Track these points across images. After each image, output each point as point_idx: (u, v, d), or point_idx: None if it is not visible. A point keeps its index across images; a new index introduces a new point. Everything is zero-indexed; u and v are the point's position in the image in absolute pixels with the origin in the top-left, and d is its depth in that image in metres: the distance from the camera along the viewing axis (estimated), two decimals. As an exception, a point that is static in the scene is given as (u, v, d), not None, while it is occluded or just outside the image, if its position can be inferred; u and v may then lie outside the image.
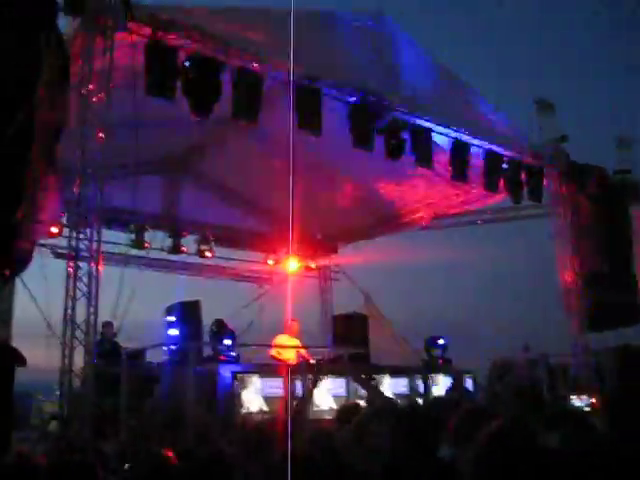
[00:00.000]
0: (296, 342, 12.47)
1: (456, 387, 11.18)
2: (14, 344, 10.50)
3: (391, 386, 10.75)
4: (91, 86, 8.58)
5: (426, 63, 12.35)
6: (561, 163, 14.09)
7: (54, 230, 12.57)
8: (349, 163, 12.93)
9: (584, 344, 13.42)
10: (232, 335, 11.02)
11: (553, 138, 14.22)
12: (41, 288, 10.57)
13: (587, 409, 7.78)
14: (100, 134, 8.51)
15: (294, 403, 8.32)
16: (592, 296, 13.58)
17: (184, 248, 15.80)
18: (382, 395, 4.61)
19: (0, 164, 6.74)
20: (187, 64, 9.00)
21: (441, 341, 13.13)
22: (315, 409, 9.30)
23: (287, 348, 11.98)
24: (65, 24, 8.63)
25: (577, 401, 8.60)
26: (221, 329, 10.75)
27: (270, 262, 17.60)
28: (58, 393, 8.49)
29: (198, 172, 15.22)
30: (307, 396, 5.30)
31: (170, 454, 3.63)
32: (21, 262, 7.40)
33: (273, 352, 11.86)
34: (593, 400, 8.03)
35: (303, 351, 12.06)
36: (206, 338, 10.70)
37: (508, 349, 14.24)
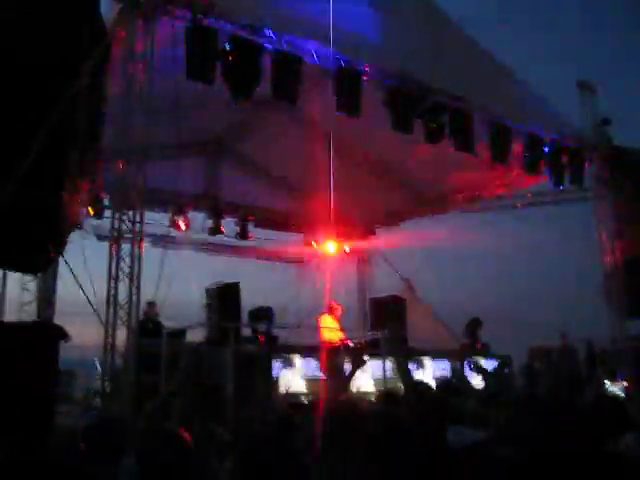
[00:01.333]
0: (336, 325, 12.55)
1: (497, 371, 11.16)
2: (57, 322, 10.79)
3: (431, 369, 10.81)
4: (133, 69, 8.68)
5: (468, 46, 12.24)
6: (603, 146, 13.86)
7: (95, 211, 12.90)
8: (387, 145, 12.89)
9: (624, 330, 13.26)
10: (271, 316, 11.14)
11: (595, 121, 14.00)
12: (84, 269, 10.82)
13: (621, 394, 7.73)
14: (142, 116, 8.62)
15: (334, 385, 8.40)
16: (634, 282, 13.39)
17: (223, 229, 15.94)
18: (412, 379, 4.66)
19: (45, 147, 6.89)
20: (227, 47, 9.04)
21: (478, 324, 13.11)
22: (356, 391, 9.40)
23: (330, 330, 12.07)
24: (107, 8, 8.76)
25: (612, 387, 8.52)
26: (260, 311, 10.87)
27: (310, 244, 17.64)
28: (100, 370, 8.71)
29: (238, 154, 15.34)
30: (349, 378, 5.39)
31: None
32: (65, 242, 7.59)
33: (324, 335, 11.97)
34: (626, 384, 7.96)
35: (341, 334, 12.13)
36: (245, 319, 10.82)
37: (546, 335, 14.14)
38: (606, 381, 9.32)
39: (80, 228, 9.91)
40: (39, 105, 6.90)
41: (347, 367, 9.44)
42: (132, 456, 3.93)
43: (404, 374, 4.70)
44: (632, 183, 14.00)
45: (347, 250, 18.29)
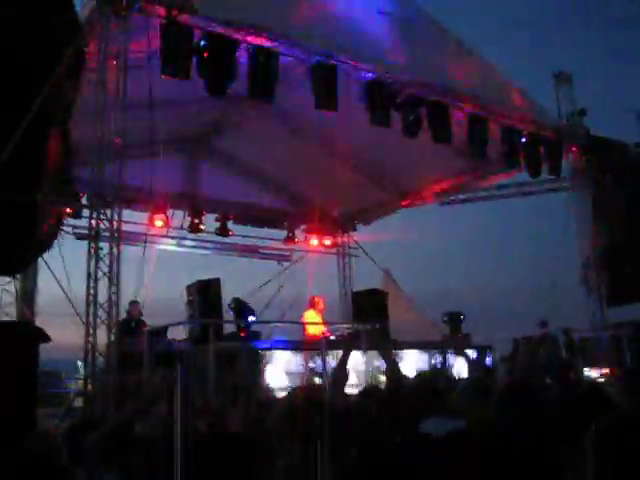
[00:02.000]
0: (319, 318, 12.61)
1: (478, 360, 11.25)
2: (38, 323, 10.74)
3: (412, 361, 10.86)
4: (108, 67, 8.64)
5: (444, 39, 12.28)
6: (580, 137, 13.98)
7: (68, 210, 12.80)
8: (365, 140, 12.92)
9: (603, 318, 13.41)
10: (252, 312, 11.13)
11: (572, 111, 14.12)
12: (63, 269, 10.77)
13: (601, 379, 7.84)
14: (118, 115, 8.58)
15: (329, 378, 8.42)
16: (611, 270, 13.55)
17: (203, 227, 15.90)
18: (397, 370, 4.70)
19: (21, 146, 6.85)
20: (202, 44, 9.01)
21: (459, 316, 13.19)
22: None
23: (313, 325, 12.13)
24: (81, 5, 8.71)
25: (592, 372, 8.62)
26: (241, 306, 10.86)
27: (288, 239, 17.62)
28: (82, 371, 8.68)
29: (217, 151, 15.30)
30: (342, 366, 5.38)
31: None
32: (44, 243, 7.54)
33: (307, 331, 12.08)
34: (606, 371, 8.06)
35: (323, 328, 12.17)
36: (226, 316, 10.81)
37: (527, 325, 14.24)
38: (585, 368, 9.41)
39: (60, 228, 9.85)
40: (15, 102, 6.85)
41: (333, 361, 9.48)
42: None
43: (393, 367, 4.72)
44: (609, 173, 14.14)
45: (328, 243, 18.30)
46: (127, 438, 4.17)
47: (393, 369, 4.77)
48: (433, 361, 10.99)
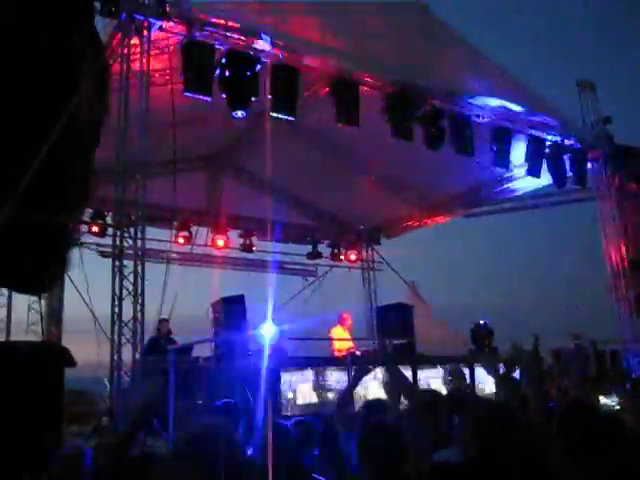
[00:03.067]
0: (347, 335, 12.60)
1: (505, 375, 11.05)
2: (64, 341, 10.78)
3: (437, 375, 10.73)
4: (130, 86, 8.69)
5: (466, 49, 12.21)
6: (605, 146, 13.82)
7: (98, 229, 12.88)
8: (388, 153, 12.87)
9: (633, 330, 13.17)
10: (278, 328, 11.07)
11: (596, 120, 13.97)
12: (89, 287, 10.83)
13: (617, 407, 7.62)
14: (140, 134, 8.62)
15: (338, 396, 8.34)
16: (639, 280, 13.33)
17: (228, 243, 15.92)
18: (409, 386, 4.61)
19: (46, 166, 6.88)
20: (223, 61, 9.05)
21: (487, 330, 13.01)
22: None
23: (341, 341, 12.09)
24: (102, 26, 8.78)
25: (606, 400, 8.33)
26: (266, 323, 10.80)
27: (313, 255, 17.58)
28: (108, 389, 8.67)
29: (239, 167, 15.33)
30: (350, 389, 5.31)
31: None
32: (67, 261, 7.57)
33: (335, 348, 12.08)
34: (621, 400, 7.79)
35: (350, 343, 12.10)
36: (252, 332, 10.75)
37: (556, 337, 14.02)
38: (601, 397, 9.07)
39: (81, 245, 9.90)
40: (40, 121, 6.89)
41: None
42: None
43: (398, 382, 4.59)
44: (634, 181, 13.95)
45: (353, 258, 18.24)
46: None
47: (406, 388, 4.63)
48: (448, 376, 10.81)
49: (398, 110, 10.63)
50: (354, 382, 5.20)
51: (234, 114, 9.48)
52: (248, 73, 9.13)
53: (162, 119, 8.97)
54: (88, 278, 11.10)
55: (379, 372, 9.85)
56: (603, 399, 8.41)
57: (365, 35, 10.63)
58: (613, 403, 8.49)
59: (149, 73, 8.85)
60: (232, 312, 10.68)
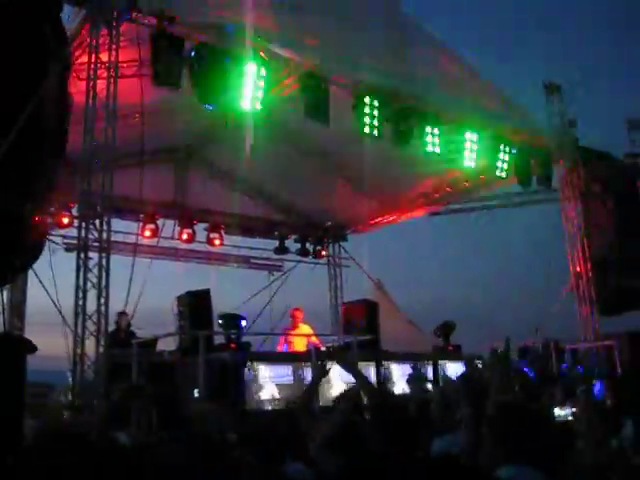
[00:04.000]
0: (308, 330, 12.61)
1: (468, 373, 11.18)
2: (28, 334, 10.65)
3: (401, 372, 10.81)
4: (97, 77, 8.61)
5: (436, 49, 12.28)
6: (570, 148, 14.02)
7: (65, 221, 12.73)
8: (357, 150, 12.90)
9: (594, 329, 13.40)
10: (243, 323, 11.05)
11: (562, 122, 14.17)
12: (52, 279, 10.71)
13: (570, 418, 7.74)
14: (107, 124, 8.55)
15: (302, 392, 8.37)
16: (603, 281, 13.56)
17: (193, 236, 15.85)
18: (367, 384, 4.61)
19: (10, 156, 6.78)
20: (193, 54, 8.99)
21: (451, 327, 13.14)
22: (329, 396, 9.36)
23: (296, 338, 12.12)
24: (71, 15, 8.68)
25: (561, 411, 8.40)
26: (231, 318, 10.78)
27: (279, 250, 17.58)
28: (70, 382, 8.59)
29: (207, 161, 15.26)
30: (314, 385, 5.34)
31: None
32: (31, 254, 7.46)
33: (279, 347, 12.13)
34: (574, 410, 7.90)
35: (314, 339, 12.14)
36: (216, 327, 10.73)
37: (519, 334, 14.21)
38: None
39: (48, 239, 9.77)
40: (4, 110, 6.78)
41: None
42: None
43: (362, 381, 4.62)
44: (598, 184, 14.18)
45: (320, 254, 18.26)
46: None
47: (363, 384, 4.66)
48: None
49: (365, 107, 10.67)
50: (315, 381, 5.24)
51: (205, 106, 9.44)
52: (218, 67, 9.09)
53: (130, 111, 8.91)
54: (54, 271, 11.00)
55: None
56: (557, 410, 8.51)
57: (336, 33, 10.63)
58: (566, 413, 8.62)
59: (118, 64, 8.76)
60: (197, 306, 10.66)
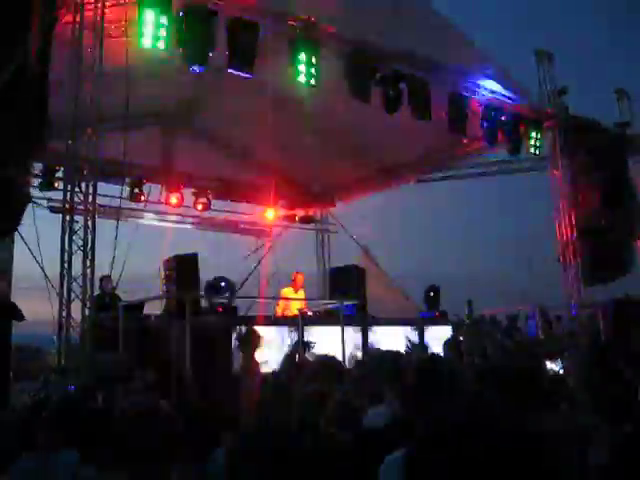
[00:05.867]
0: (301, 295, 12.66)
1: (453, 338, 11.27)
2: (14, 297, 10.60)
3: (387, 337, 10.89)
4: (83, 38, 8.47)
5: (426, 14, 12.14)
6: (560, 116, 13.97)
7: (50, 183, 12.63)
8: (346, 114, 12.82)
9: (579, 297, 13.49)
10: (230, 287, 11.05)
11: (553, 90, 14.09)
12: (38, 242, 10.62)
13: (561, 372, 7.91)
14: (93, 86, 8.43)
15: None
16: (589, 249, 13.62)
17: (181, 201, 15.77)
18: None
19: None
20: (180, 14, 8.85)
21: (436, 292, 13.22)
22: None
23: (290, 301, 12.14)
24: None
25: (552, 365, 8.65)
26: (218, 282, 10.78)
27: (268, 215, 17.55)
28: (57, 345, 8.58)
29: (195, 124, 15.12)
30: (296, 349, 5.40)
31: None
32: (16, 216, 7.41)
33: (278, 309, 12.11)
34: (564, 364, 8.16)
35: (299, 304, 12.15)
36: (203, 291, 10.73)
37: (505, 302, 14.33)
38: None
39: (32, 201, 9.68)
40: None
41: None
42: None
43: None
44: (588, 153, 14.16)
45: (307, 220, 18.25)
46: (87, 412, 4.11)
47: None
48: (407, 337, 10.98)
49: (356, 70, 10.56)
50: (293, 349, 5.28)
51: (191, 69, 9.31)
52: (205, 27, 8.94)
53: (115, 73, 8.77)
54: (39, 234, 10.91)
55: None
56: (549, 364, 8.70)
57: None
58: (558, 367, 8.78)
59: (103, 24, 8.61)
60: (184, 270, 10.63)
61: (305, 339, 9.46)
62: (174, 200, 15.61)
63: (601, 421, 3.38)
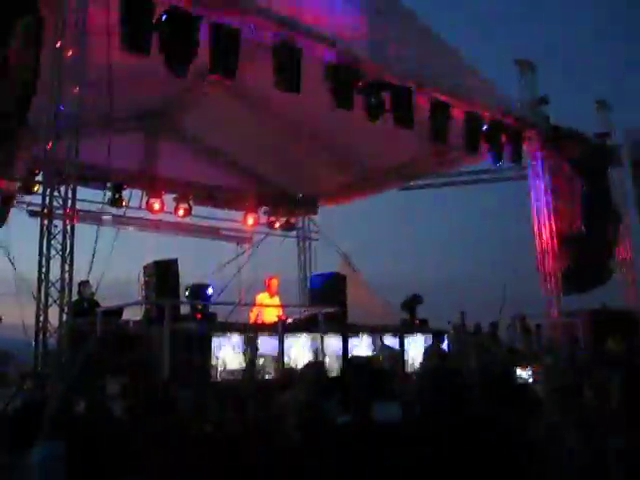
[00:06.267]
0: (277, 301, 12.53)
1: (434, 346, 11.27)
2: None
3: (368, 345, 10.88)
4: (65, 40, 8.39)
5: (409, 22, 12.18)
6: (541, 125, 14.07)
7: (29, 187, 12.50)
8: (329, 121, 12.82)
9: (558, 306, 13.57)
10: (209, 294, 10.99)
11: (534, 99, 14.19)
12: (16, 246, 10.52)
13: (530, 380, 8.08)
14: (74, 89, 8.36)
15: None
16: (568, 258, 13.71)
17: (162, 207, 15.67)
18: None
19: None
20: (163, 18, 8.80)
21: (417, 301, 13.20)
22: (292, 365, 9.40)
23: (266, 308, 12.03)
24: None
25: (522, 372, 8.84)
26: (198, 288, 10.71)
27: (250, 221, 17.51)
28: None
29: (176, 129, 15.05)
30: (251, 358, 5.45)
31: None
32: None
33: (252, 315, 11.98)
34: (534, 371, 8.37)
35: (279, 311, 12.06)
36: (183, 297, 10.66)
37: (485, 311, 14.34)
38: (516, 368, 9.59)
39: (12, 205, 9.57)
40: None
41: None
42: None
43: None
44: (568, 162, 14.27)
45: (289, 226, 18.23)
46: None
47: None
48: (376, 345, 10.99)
49: (339, 78, 10.56)
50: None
51: (174, 73, 9.25)
52: (188, 33, 8.89)
53: (97, 75, 8.69)
54: (15, 237, 10.80)
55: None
56: (520, 371, 8.87)
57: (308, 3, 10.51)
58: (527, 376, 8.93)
59: (85, 25, 8.54)
60: (164, 276, 10.55)
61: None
62: (156, 206, 15.51)
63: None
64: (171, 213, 15.99)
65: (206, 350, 8.99)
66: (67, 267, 8.20)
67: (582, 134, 14.70)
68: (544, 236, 13.90)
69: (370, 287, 16.37)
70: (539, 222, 13.99)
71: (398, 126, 11.43)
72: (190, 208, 16.11)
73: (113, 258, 11.38)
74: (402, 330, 11.74)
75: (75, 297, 10.09)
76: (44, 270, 8.11)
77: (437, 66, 12.10)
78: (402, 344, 11.33)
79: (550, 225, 13.90)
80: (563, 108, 15.18)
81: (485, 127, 12.82)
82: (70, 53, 8.44)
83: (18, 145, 7.86)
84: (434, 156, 14.84)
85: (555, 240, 13.84)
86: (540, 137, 14.14)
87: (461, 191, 17.03)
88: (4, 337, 10.74)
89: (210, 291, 10.76)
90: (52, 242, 8.17)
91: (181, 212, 16.00)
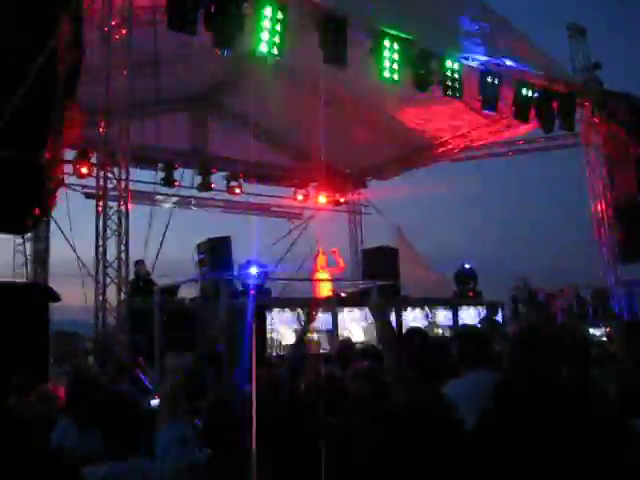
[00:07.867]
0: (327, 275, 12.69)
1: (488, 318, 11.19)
2: (51, 284, 10.79)
3: (421, 318, 10.85)
4: (112, 23, 8.51)
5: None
6: (593, 91, 13.71)
7: (84, 170, 12.75)
8: (376, 95, 12.74)
9: (615, 274, 13.33)
10: (263, 270, 11.09)
11: (586, 65, 13.85)
12: (74, 228, 10.79)
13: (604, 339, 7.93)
14: (124, 72, 8.48)
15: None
16: (624, 227, 13.40)
17: (213, 185, 15.82)
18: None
19: (25, 105, 6.77)
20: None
21: (471, 273, 13.13)
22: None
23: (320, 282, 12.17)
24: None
25: (596, 331, 8.68)
26: (251, 264, 10.82)
27: (299, 197, 17.55)
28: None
29: (226, 108, 15.14)
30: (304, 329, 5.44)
31: None
32: (50, 201, 7.51)
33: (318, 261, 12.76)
34: (608, 329, 8.18)
35: (331, 285, 12.14)
36: (237, 273, 10.77)
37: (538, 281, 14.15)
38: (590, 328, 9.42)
39: (66, 186, 9.80)
40: (16, 61, 6.76)
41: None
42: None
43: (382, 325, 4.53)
44: (622, 128, 13.89)
45: (342, 201, 18.22)
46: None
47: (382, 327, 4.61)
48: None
49: (385, 51, 10.48)
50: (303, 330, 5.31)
51: (220, 52, 9.29)
52: (234, 11, 8.91)
53: (145, 59, 8.81)
54: (73, 220, 11.08)
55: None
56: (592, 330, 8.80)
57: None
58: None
59: (131, 10, 8.64)
60: (218, 252, 10.70)
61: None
62: (206, 184, 15.65)
63: None
64: (222, 191, 16.10)
65: (261, 325, 9.09)
66: (123, 247, 8.39)
67: (635, 97, 14.26)
68: (599, 206, 13.62)
69: (423, 260, 16.31)
70: (594, 191, 13.71)
71: (446, 96, 11.30)
72: (241, 186, 16.22)
73: (167, 238, 11.60)
74: (455, 303, 11.67)
75: (131, 277, 10.32)
76: (101, 250, 8.31)
77: (485, 33, 11.87)
78: (455, 316, 11.28)
79: (605, 194, 13.61)
80: (615, 72, 14.79)
81: (536, 95, 12.55)
82: (117, 36, 8.56)
83: (72, 129, 8.02)
84: (485, 126, 14.62)
85: (610, 209, 13.55)
86: (592, 103, 13.79)
87: (514, 162, 16.70)
88: (70, 319, 10.99)
89: (263, 268, 10.85)
90: (108, 223, 8.35)
91: (236, 190, 16.10)
